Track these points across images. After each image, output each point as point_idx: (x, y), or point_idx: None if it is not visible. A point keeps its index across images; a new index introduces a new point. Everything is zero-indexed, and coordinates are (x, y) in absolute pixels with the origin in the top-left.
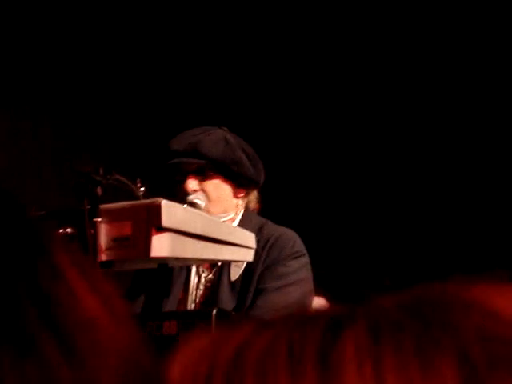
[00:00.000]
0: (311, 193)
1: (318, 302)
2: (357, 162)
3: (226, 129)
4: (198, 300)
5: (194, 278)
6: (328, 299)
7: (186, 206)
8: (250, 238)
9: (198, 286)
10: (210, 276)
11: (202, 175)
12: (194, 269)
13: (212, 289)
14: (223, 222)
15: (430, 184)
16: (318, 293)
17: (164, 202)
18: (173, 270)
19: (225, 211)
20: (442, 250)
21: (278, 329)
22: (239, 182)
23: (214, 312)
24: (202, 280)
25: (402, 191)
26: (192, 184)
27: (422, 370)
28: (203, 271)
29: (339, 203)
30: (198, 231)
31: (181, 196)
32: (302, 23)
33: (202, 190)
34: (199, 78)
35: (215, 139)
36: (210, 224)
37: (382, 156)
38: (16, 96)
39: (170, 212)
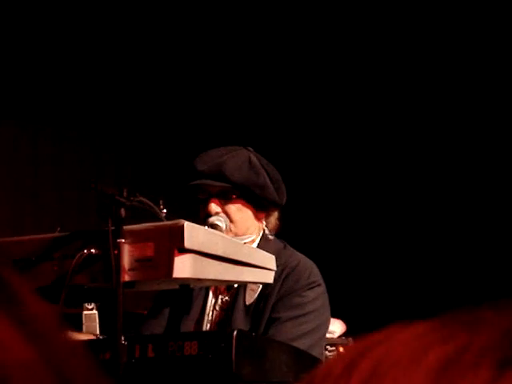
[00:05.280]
0: (328, 215)
1: (335, 324)
2: (375, 185)
3: (251, 149)
4: (213, 321)
5: (211, 299)
6: (344, 322)
7: (207, 227)
8: (270, 260)
9: (214, 307)
10: (226, 298)
11: (225, 198)
12: (211, 290)
13: (227, 311)
14: (244, 243)
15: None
16: (335, 316)
17: (187, 224)
18: (192, 291)
19: (247, 232)
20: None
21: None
22: (261, 205)
23: (235, 334)
24: (219, 301)
25: (420, 212)
26: (215, 206)
27: None
28: (220, 293)
29: (355, 224)
30: (220, 253)
31: (202, 216)
32: (312, 35)
33: (225, 212)
34: (221, 100)
35: (240, 162)
36: (232, 246)
37: (403, 180)
38: (37, 120)
39: (193, 233)
